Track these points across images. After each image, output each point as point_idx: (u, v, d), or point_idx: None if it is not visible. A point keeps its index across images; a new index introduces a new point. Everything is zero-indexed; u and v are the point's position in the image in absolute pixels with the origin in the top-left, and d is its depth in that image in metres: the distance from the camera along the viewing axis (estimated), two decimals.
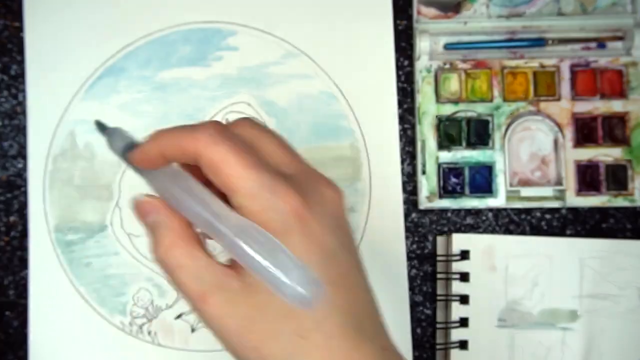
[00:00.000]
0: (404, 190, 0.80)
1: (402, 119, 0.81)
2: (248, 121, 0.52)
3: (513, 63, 0.80)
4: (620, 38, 0.81)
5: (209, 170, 0.48)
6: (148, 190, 0.53)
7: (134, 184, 0.78)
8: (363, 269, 0.51)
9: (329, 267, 0.47)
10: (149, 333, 0.78)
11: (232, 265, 0.49)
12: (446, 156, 0.79)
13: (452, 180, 0.79)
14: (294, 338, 0.47)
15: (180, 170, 0.51)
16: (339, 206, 0.50)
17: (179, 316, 0.79)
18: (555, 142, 0.80)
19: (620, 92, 0.80)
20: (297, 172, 0.50)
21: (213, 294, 0.48)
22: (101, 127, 0.55)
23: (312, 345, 0.47)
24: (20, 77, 0.80)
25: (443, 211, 0.81)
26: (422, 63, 0.80)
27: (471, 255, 0.78)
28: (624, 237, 0.81)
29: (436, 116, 0.79)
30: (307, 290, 0.44)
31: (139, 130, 0.80)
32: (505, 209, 0.81)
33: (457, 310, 0.78)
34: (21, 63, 0.80)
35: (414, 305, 0.80)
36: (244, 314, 0.47)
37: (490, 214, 0.81)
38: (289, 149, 0.51)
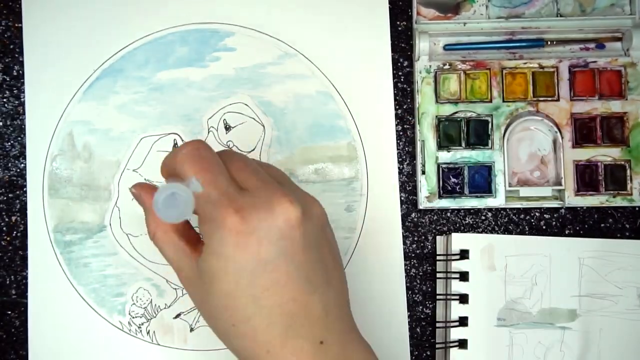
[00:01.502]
0: (404, 190, 0.81)
1: (401, 119, 0.81)
2: (226, 150, 0.62)
3: (512, 64, 0.80)
4: (618, 39, 0.81)
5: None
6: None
7: (132, 185, 0.79)
8: (307, 274, 0.56)
9: (262, 274, 0.54)
10: (148, 332, 0.78)
11: (196, 248, 0.59)
12: (446, 156, 0.79)
13: (451, 180, 0.79)
14: (228, 324, 0.56)
15: None
16: (287, 219, 0.55)
17: (177, 316, 0.79)
18: (554, 142, 0.80)
19: (619, 93, 0.80)
20: (253, 188, 0.56)
21: (182, 271, 0.59)
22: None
23: (241, 335, 0.56)
24: (22, 77, 0.80)
25: (442, 211, 0.81)
26: (422, 64, 0.80)
27: (470, 254, 0.78)
28: (623, 236, 0.81)
29: (436, 116, 0.80)
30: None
31: (137, 131, 0.81)
32: (504, 209, 0.81)
33: (457, 310, 0.78)
34: (23, 64, 0.81)
35: (413, 305, 0.80)
36: (200, 294, 0.58)
37: (489, 214, 0.81)
38: (253, 168, 0.58)
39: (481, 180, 0.79)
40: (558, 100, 0.80)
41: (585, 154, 0.79)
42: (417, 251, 0.81)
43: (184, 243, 0.59)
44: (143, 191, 0.61)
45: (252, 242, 0.54)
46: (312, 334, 0.56)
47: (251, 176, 0.57)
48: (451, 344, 0.77)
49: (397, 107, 0.81)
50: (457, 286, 0.78)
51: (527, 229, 0.81)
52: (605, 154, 0.79)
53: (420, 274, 0.80)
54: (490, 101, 0.80)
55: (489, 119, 0.79)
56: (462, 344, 0.77)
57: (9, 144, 0.80)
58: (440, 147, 0.79)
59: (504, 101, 0.80)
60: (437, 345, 0.79)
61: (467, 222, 0.81)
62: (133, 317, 0.79)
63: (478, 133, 0.79)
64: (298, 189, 0.60)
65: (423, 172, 0.79)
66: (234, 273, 0.54)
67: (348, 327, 0.60)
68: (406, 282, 0.79)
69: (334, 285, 0.59)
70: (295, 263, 0.55)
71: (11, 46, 0.81)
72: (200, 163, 0.56)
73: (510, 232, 0.80)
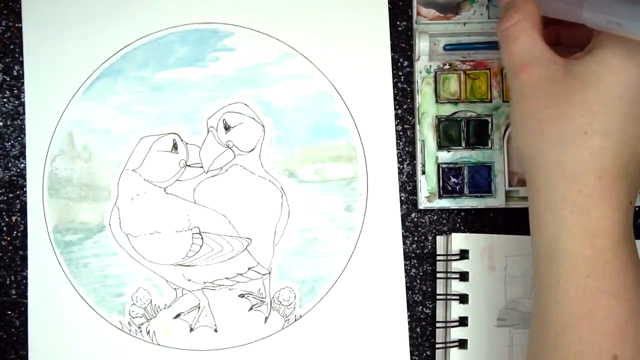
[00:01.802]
0: (404, 190, 0.81)
1: (401, 119, 0.81)
2: None
3: None
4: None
5: None
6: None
7: (132, 185, 0.79)
8: None
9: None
10: (148, 333, 0.79)
11: (563, 55, 0.58)
12: (446, 156, 0.79)
13: (451, 180, 0.79)
14: (579, 130, 0.55)
15: None
16: None
17: (177, 316, 0.79)
18: None
19: None
20: None
21: (536, 66, 0.58)
22: None
23: (587, 144, 0.55)
24: (22, 77, 0.81)
25: (442, 211, 0.81)
26: (422, 64, 0.80)
27: (470, 254, 0.78)
28: None
29: (436, 116, 0.79)
30: None
31: (137, 131, 0.81)
32: (504, 209, 0.81)
33: (457, 310, 0.78)
34: (23, 64, 0.81)
35: (413, 305, 0.80)
36: (553, 92, 0.56)
37: (489, 214, 0.81)
38: None
39: (481, 180, 0.79)
40: None
41: None
42: (417, 251, 0.81)
43: (545, 44, 0.59)
44: None
45: None
46: (633, 191, 0.58)
47: None
48: (451, 344, 0.78)
49: (397, 107, 0.81)
50: (457, 286, 0.78)
51: (527, 229, 0.81)
52: None
53: (420, 274, 0.81)
54: (491, 101, 0.80)
55: (489, 119, 0.79)
56: (462, 344, 0.77)
57: (9, 144, 0.80)
58: (440, 147, 0.79)
59: (504, 101, 0.80)
60: (437, 346, 0.79)
61: (467, 222, 0.81)
62: (133, 317, 0.79)
63: (478, 133, 0.79)
64: None
65: (423, 172, 0.79)
66: (627, 86, 0.54)
67: None
68: (406, 282, 0.80)
69: None
70: None
71: (11, 46, 0.81)
72: None
73: (510, 232, 0.80)
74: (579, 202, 0.55)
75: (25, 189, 0.80)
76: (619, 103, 0.54)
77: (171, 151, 0.79)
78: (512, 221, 0.81)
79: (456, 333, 0.78)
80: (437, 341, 0.79)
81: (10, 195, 0.80)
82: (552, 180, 0.57)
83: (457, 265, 0.78)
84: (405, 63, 0.82)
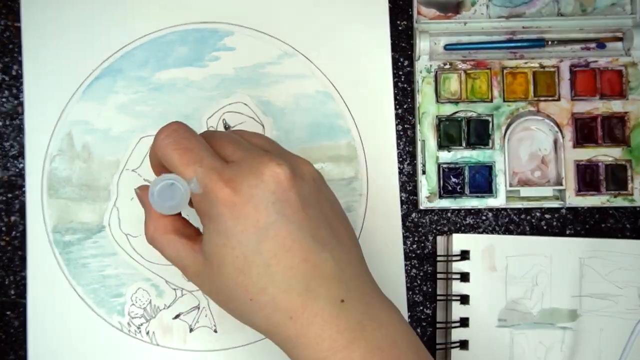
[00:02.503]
0: (404, 190, 0.81)
1: (402, 119, 0.81)
2: (207, 131, 0.63)
3: (513, 63, 0.80)
4: (619, 38, 0.81)
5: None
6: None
7: (131, 185, 0.79)
8: (315, 235, 0.56)
9: (266, 240, 0.54)
10: (147, 333, 0.78)
11: (196, 241, 0.59)
12: (446, 156, 0.79)
13: (452, 180, 0.79)
14: (245, 301, 0.55)
15: None
16: (278, 181, 0.55)
17: (177, 316, 0.79)
18: (555, 142, 0.80)
19: (619, 92, 0.80)
20: (239, 159, 0.56)
21: (188, 267, 0.59)
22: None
23: (262, 307, 0.55)
24: (21, 77, 0.80)
25: (443, 211, 0.81)
26: (422, 63, 0.80)
27: (471, 255, 0.78)
28: (624, 237, 0.80)
29: (436, 116, 0.79)
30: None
31: (136, 130, 0.81)
32: (505, 209, 0.81)
33: (458, 310, 0.78)
34: (22, 63, 0.80)
35: (414, 305, 0.80)
36: (209, 282, 0.57)
37: (490, 214, 0.81)
38: (236, 141, 0.59)
39: (482, 180, 0.79)
40: (559, 100, 0.80)
41: (586, 153, 0.79)
42: (418, 251, 0.80)
43: (184, 239, 0.59)
44: (145, 193, 0.60)
45: (248, 210, 0.54)
46: (331, 293, 0.55)
47: (236, 149, 0.57)
48: (452, 345, 0.77)
49: (397, 106, 0.81)
50: (458, 287, 0.78)
51: (527, 229, 0.81)
52: (606, 154, 0.79)
53: (421, 274, 0.80)
54: (491, 101, 0.80)
55: (490, 119, 0.79)
56: (463, 344, 0.77)
57: (8, 143, 0.80)
58: (440, 147, 0.79)
59: (504, 101, 0.80)
60: (438, 346, 0.79)
61: (467, 222, 0.81)
62: (132, 318, 0.78)
63: (479, 133, 0.79)
64: (287, 152, 0.61)
65: (423, 172, 0.79)
66: (239, 246, 0.54)
67: (369, 285, 0.59)
68: (406, 283, 0.79)
69: (343, 242, 0.58)
70: (296, 223, 0.55)
71: (10, 46, 0.81)
72: (181, 143, 0.56)
73: (511, 233, 0.80)
74: (295, 343, 0.56)
75: (24, 189, 0.79)
76: (251, 261, 0.55)
77: None
78: (513, 221, 0.81)
79: (457, 334, 0.77)
80: (437, 342, 0.79)
81: (9, 195, 0.80)
82: (271, 339, 0.58)
83: (458, 266, 0.78)
84: (406, 63, 0.82)
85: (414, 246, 0.80)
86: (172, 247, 0.59)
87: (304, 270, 0.55)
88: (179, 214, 0.60)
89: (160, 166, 0.59)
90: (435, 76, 0.80)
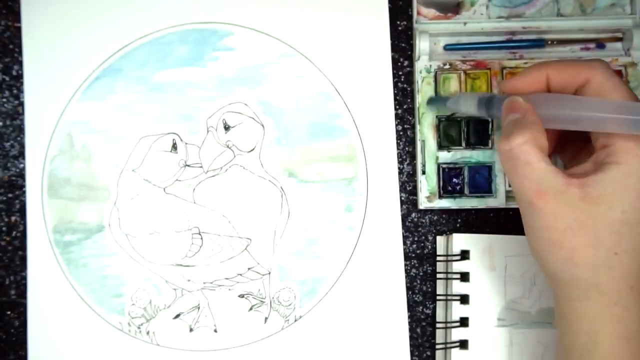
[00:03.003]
0: (404, 190, 0.81)
1: (402, 119, 0.81)
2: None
3: (512, 63, 0.80)
4: (619, 39, 0.81)
5: (596, 92, 0.58)
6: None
7: (131, 185, 0.79)
8: None
9: None
10: (147, 333, 0.79)
11: (576, 176, 0.57)
12: (446, 156, 0.79)
13: (451, 180, 0.79)
14: (610, 252, 0.56)
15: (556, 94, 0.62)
16: None
17: (177, 316, 0.79)
18: None
19: None
20: None
21: (551, 194, 0.57)
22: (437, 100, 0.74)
23: (619, 263, 0.56)
24: (21, 77, 0.80)
25: (443, 211, 0.81)
26: (422, 63, 0.80)
27: (471, 255, 0.78)
28: None
29: (436, 116, 0.79)
30: None
31: (136, 130, 0.81)
32: (505, 209, 0.81)
33: (458, 310, 0.78)
34: (22, 64, 0.81)
35: (414, 305, 0.80)
36: (576, 218, 0.56)
37: (490, 214, 0.81)
38: None
39: (481, 180, 0.79)
40: None
41: None
42: (418, 251, 0.80)
43: (553, 165, 0.58)
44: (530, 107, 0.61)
45: None
46: None
47: None
48: (452, 345, 0.77)
49: (397, 106, 0.81)
50: (457, 287, 0.78)
51: None
52: None
53: (421, 274, 0.80)
54: None
55: (490, 119, 0.79)
56: (463, 344, 0.77)
57: (9, 144, 0.80)
58: (440, 147, 0.79)
59: None
60: (438, 346, 0.79)
61: (467, 222, 0.81)
62: (132, 318, 0.79)
63: (478, 133, 0.79)
64: None
65: (423, 172, 0.79)
66: None
67: None
68: (406, 283, 0.79)
69: None
70: None
71: (10, 46, 0.81)
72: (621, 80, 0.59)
73: (510, 232, 0.80)
74: (615, 313, 0.56)
75: (24, 189, 0.79)
76: None
77: (171, 151, 0.79)
78: (513, 221, 0.81)
79: (457, 333, 0.77)
80: (437, 342, 0.79)
81: (9, 195, 0.80)
82: (588, 297, 0.57)
83: (458, 266, 0.78)
84: (406, 63, 0.82)
85: (414, 246, 0.81)
86: (542, 167, 0.57)
87: None
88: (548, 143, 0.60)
89: (539, 84, 0.62)
90: (435, 76, 0.80)
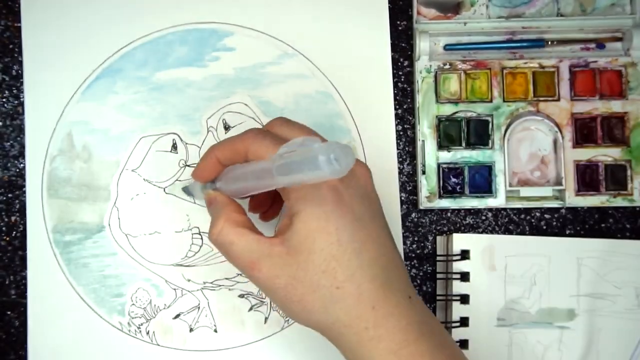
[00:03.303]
0: (404, 190, 0.81)
1: (402, 119, 0.81)
2: (279, 119, 0.64)
3: (512, 63, 0.80)
4: (619, 39, 0.81)
5: (255, 157, 0.60)
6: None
7: (131, 185, 0.79)
8: (389, 233, 0.62)
9: (358, 229, 0.58)
10: (148, 333, 0.78)
11: (276, 234, 0.60)
12: (446, 156, 0.79)
13: (451, 180, 0.79)
14: (331, 289, 0.57)
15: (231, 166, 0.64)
16: (367, 181, 0.62)
17: (177, 316, 0.79)
18: (555, 142, 0.80)
19: (619, 93, 0.80)
20: None
21: (261, 261, 0.58)
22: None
23: (346, 295, 0.57)
24: (21, 77, 0.80)
25: (443, 211, 0.81)
26: (422, 63, 0.80)
27: (471, 255, 0.78)
28: (623, 237, 0.80)
29: (436, 116, 0.79)
30: (338, 163, 0.49)
31: (136, 131, 0.81)
32: (504, 209, 0.81)
33: (458, 310, 0.78)
34: (22, 64, 0.81)
35: None
36: (289, 274, 0.58)
37: (490, 214, 0.81)
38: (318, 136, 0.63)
39: (481, 180, 0.79)
40: (558, 100, 0.80)
41: (586, 154, 0.79)
42: (418, 251, 0.80)
43: (256, 234, 0.60)
44: (218, 194, 0.65)
45: (347, 198, 0.58)
46: (402, 288, 0.60)
47: None
48: None
49: (397, 106, 0.81)
50: (458, 287, 0.78)
51: (527, 229, 0.81)
52: (605, 154, 0.79)
53: (421, 274, 0.80)
54: (491, 101, 0.80)
55: (490, 119, 0.79)
56: (463, 344, 0.77)
57: (8, 144, 0.80)
58: (440, 147, 0.79)
59: (504, 101, 0.80)
60: None
61: (467, 222, 0.81)
62: (132, 318, 0.78)
63: (478, 133, 0.79)
64: None
65: (423, 172, 0.79)
66: (336, 232, 0.57)
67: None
68: None
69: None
70: (378, 218, 0.61)
71: (10, 46, 0.81)
72: (273, 140, 0.59)
73: (510, 232, 0.80)
74: (372, 335, 0.57)
75: (24, 189, 0.79)
76: (345, 247, 0.57)
77: (171, 151, 0.79)
78: (512, 221, 0.81)
79: (457, 333, 0.77)
80: None
81: (9, 195, 0.80)
82: (341, 334, 0.59)
83: (458, 266, 0.78)
84: (406, 63, 0.82)
85: (414, 246, 0.81)
86: (244, 241, 0.59)
87: (384, 262, 0.59)
88: (245, 213, 0.63)
89: (216, 166, 0.64)
90: (435, 76, 0.80)
